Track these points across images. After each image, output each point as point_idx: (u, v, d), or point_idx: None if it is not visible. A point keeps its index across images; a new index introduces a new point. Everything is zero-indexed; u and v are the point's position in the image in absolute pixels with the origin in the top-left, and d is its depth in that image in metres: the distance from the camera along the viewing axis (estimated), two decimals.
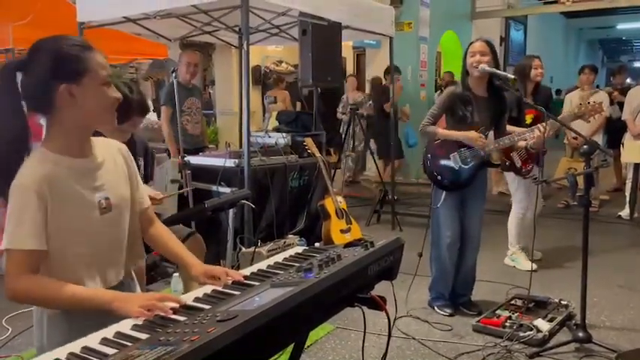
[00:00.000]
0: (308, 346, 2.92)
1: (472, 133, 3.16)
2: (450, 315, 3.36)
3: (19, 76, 1.35)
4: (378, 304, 1.39)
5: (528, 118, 4.10)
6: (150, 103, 3.01)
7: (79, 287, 1.34)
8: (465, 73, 3.24)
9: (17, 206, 1.30)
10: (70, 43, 1.35)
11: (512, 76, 3.46)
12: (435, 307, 3.44)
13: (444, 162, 3.24)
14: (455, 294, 3.46)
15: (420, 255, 3.46)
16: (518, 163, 4.00)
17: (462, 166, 3.22)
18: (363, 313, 1.44)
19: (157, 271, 3.92)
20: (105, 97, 1.38)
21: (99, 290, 1.36)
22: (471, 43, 3.27)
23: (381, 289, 1.45)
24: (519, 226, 4.29)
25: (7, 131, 1.34)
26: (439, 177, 3.27)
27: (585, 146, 2.90)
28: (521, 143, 3.47)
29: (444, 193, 3.28)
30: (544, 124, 3.27)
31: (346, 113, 7.70)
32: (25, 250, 1.29)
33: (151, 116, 7.30)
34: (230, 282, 1.46)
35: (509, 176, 4.25)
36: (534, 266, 4.02)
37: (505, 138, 3.31)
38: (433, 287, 3.48)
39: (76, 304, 1.33)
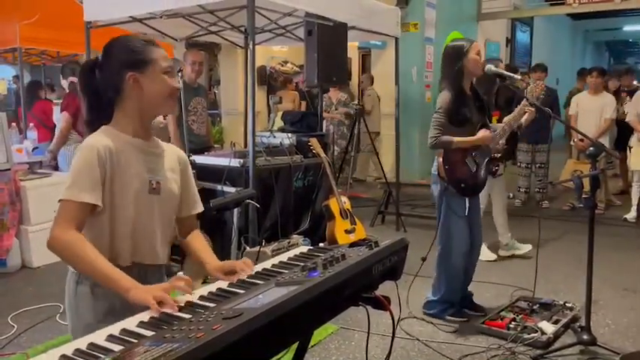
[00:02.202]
0: (312, 346, 2.92)
1: (484, 133, 3.15)
2: (467, 320, 3.29)
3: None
4: (382, 304, 1.39)
5: (494, 120, 4.13)
6: None
7: (107, 263, 1.40)
8: (461, 73, 3.12)
9: (78, 163, 1.45)
10: (137, 39, 1.58)
11: (519, 77, 3.49)
12: (448, 317, 3.32)
13: (462, 169, 3.18)
14: (464, 297, 3.43)
15: (424, 259, 3.41)
16: (473, 168, 4.07)
17: (477, 168, 3.21)
18: (367, 313, 1.44)
19: None
20: (166, 84, 1.54)
21: (123, 275, 1.40)
22: (466, 46, 3.12)
23: (385, 289, 1.45)
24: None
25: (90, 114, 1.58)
26: (462, 185, 3.19)
27: (591, 148, 2.89)
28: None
29: (467, 200, 3.21)
30: (525, 102, 3.25)
31: (328, 111, 7.70)
32: (77, 202, 1.41)
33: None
34: (244, 275, 1.50)
35: None
36: (529, 247, 4.42)
37: (503, 126, 3.29)
38: (443, 299, 3.34)
39: (98, 276, 1.41)
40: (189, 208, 1.71)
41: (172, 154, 1.67)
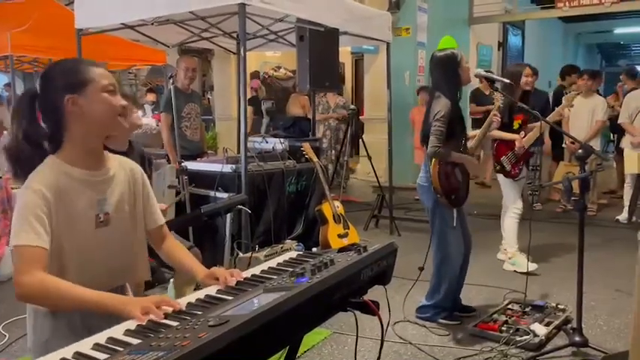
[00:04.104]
0: (305, 352, 2.92)
1: (474, 160, 3.34)
2: (460, 323, 3.30)
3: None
4: (371, 308, 1.40)
5: (515, 124, 4.15)
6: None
7: (86, 290, 1.37)
8: (459, 83, 3.17)
9: (22, 207, 1.39)
10: (72, 61, 1.54)
11: (507, 80, 3.52)
12: (441, 321, 3.31)
13: (453, 180, 3.21)
14: (455, 302, 3.44)
15: (422, 269, 3.38)
16: (508, 167, 4.14)
17: (462, 178, 3.26)
18: (356, 317, 1.45)
19: (154, 277, 3.93)
20: (108, 103, 1.47)
21: (110, 295, 1.39)
22: (459, 55, 3.18)
23: (381, 294, 1.46)
24: (516, 229, 4.35)
25: (30, 143, 1.47)
26: (453, 196, 3.21)
27: (580, 151, 2.91)
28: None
29: (455, 210, 3.23)
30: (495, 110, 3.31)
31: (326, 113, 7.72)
32: (27, 246, 1.36)
33: (150, 122, 7.32)
34: (233, 283, 1.49)
35: (500, 179, 4.33)
36: (535, 266, 4.11)
37: (474, 141, 3.41)
38: (437, 304, 3.34)
39: (83, 305, 1.37)
40: (151, 222, 1.68)
41: (124, 171, 1.60)
